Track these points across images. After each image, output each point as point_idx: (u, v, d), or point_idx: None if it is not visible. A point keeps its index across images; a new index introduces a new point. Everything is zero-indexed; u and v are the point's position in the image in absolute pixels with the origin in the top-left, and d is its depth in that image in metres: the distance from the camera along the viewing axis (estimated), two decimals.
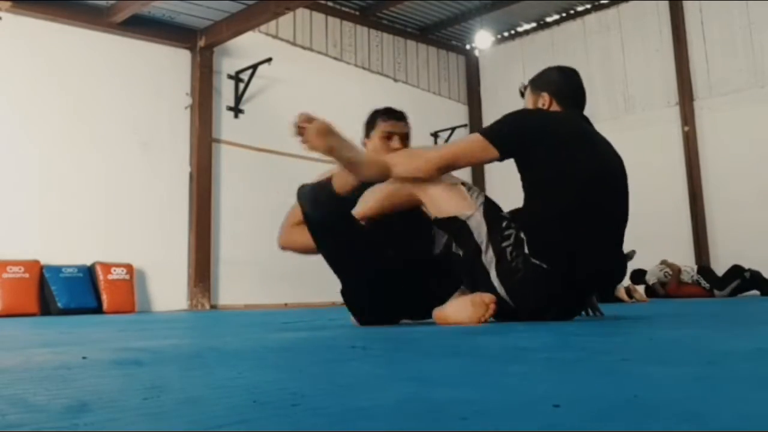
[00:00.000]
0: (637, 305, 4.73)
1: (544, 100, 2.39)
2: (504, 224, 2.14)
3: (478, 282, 2.13)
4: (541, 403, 0.63)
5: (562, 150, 2.15)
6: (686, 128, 8.69)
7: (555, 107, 2.39)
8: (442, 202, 2.17)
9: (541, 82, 2.44)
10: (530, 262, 2.06)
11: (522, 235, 2.10)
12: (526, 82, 2.49)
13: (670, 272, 7.27)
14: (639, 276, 7.45)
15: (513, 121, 2.25)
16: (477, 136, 2.24)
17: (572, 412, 0.58)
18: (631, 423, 0.53)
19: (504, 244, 2.09)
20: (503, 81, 10.79)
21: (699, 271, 7.28)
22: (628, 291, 5.50)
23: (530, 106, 2.41)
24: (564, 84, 2.44)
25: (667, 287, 7.25)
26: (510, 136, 2.22)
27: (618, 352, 1.19)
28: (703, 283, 7.13)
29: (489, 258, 2.11)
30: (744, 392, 0.69)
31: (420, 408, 0.62)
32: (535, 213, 2.13)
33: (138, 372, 1.01)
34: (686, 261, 7.69)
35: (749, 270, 7.05)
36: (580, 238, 2.09)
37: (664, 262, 7.39)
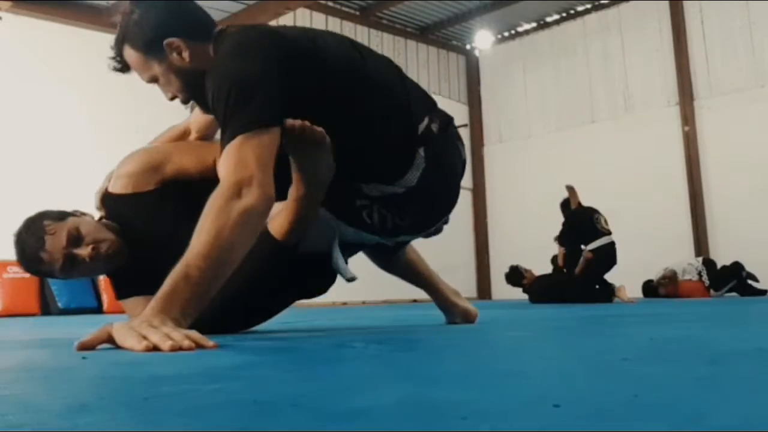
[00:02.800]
0: (633, 305, 4.73)
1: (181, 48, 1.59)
2: None
3: None
4: (541, 403, 0.63)
5: None
6: (686, 128, 8.70)
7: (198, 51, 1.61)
8: None
9: (152, 32, 1.58)
10: None
11: None
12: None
13: (666, 280, 7.30)
14: (649, 287, 7.50)
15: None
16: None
17: (572, 412, 0.58)
18: (631, 423, 0.53)
19: None
20: (503, 81, 10.80)
21: (703, 262, 7.29)
22: (619, 290, 5.53)
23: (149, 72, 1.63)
24: (183, 10, 1.65)
25: (665, 289, 7.27)
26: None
27: (618, 352, 1.19)
28: (704, 277, 7.14)
29: None
30: (744, 392, 0.69)
31: (420, 408, 0.62)
32: None
33: (138, 372, 1.01)
34: (687, 261, 7.69)
35: (747, 272, 7.07)
36: None
37: (666, 269, 7.41)
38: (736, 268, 7.14)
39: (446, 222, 1.95)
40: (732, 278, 7.11)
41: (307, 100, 1.56)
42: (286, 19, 8.23)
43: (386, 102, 1.69)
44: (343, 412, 0.61)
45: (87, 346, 1.23)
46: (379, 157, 1.64)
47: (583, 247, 5.99)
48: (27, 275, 5.76)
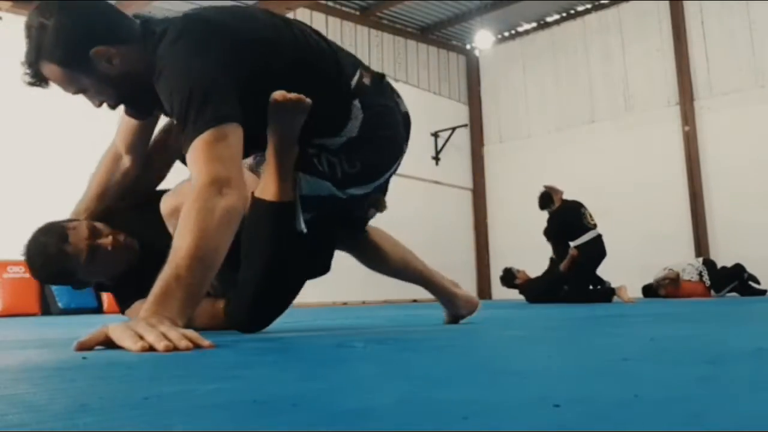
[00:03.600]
0: (633, 305, 4.73)
1: (111, 55, 1.56)
2: None
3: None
4: (541, 403, 0.63)
5: None
6: (686, 128, 8.70)
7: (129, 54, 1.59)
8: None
9: (72, 44, 1.55)
10: None
11: None
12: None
13: (667, 280, 7.29)
14: (649, 287, 7.50)
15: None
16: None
17: (572, 412, 0.58)
18: (631, 423, 0.53)
19: None
20: (503, 81, 10.80)
21: (704, 263, 7.29)
22: (620, 290, 5.51)
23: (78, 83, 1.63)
24: (100, 15, 1.58)
25: (666, 289, 7.27)
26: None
27: (619, 352, 1.19)
28: (705, 277, 7.13)
29: None
30: (744, 392, 0.69)
31: (420, 408, 0.62)
32: None
33: (138, 372, 1.01)
34: (687, 261, 7.69)
35: (748, 273, 7.07)
36: None
37: (666, 269, 7.40)
38: (738, 269, 7.14)
39: (392, 174, 1.96)
40: (733, 279, 7.11)
41: (253, 81, 1.58)
42: None
43: (318, 62, 1.72)
44: (343, 412, 0.61)
45: (85, 347, 1.23)
46: (320, 113, 1.67)
47: (570, 243, 5.97)
48: (27, 275, 5.77)
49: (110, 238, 1.89)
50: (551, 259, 6.41)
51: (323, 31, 8.26)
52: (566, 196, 6.45)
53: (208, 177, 1.38)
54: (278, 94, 1.57)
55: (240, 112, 1.47)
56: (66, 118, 6.37)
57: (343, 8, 9.22)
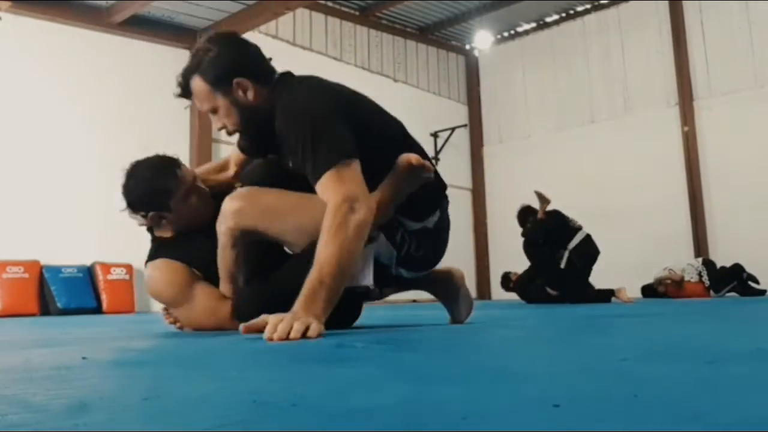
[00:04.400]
0: (632, 305, 4.73)
1: (248, 88, 1.84)
2: None
3: None
4: (541, 403, 0.63)
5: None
6: (686, 128, 8.70)
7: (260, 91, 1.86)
8: None
9: (224, 70, 1.83)
10: None
11: None
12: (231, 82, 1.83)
13: (669, 281, 7.29)
14: (649, 287, 7.51)
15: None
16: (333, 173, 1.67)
17: (572, 412, 0.58)
18: (631, 423, 0.53)
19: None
20: (503, 81, 10.80)
21: (703, 263, 7.29)
22: (619, 291, 5.50)
23: (226, 105, 1.85)
24: (252, 55, 1.92)
25: (667, 290, 7.27)
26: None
27: (618, 352, 1.19)
28: (705, 278, 7.13)
29: None
30: (744, 392, 0.69)
31: (420, 408, 0.62)
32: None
33: (138, 372, 1.01)
34: (686, 261, 7.70)
35: (747, 273, 7.07)
36: None
37: (667, 269, 7.40)
38: (737, 269, 7.14)
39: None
40: (732, 279, 7.12)
41: (360, 135, 1.78)
42: (285, 19, 8.23)
43: (419, 150, 1.97)
44: (343, 412, 0.61)
45: (251, 330, 1.51)
46: (422, 195, 1.91)
47: (564, 249, 5.95)
48: (27, 275, 5.77)
49: (205, 191, 2.17)
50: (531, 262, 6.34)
51: (323, 31, 8.23)
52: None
53: (340, 196, 1.61)
54: (414, 157, 1.83)
55: (356, 149, 1.71)
56: (66, 119, 6.37)
57: (343, 8, 9.22)
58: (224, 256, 1.92)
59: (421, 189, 1.88)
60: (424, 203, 1.96)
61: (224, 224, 1.86)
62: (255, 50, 1.96)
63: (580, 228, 5.99)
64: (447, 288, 2.36)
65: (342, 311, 1.85)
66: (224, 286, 1.99)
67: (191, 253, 2.08)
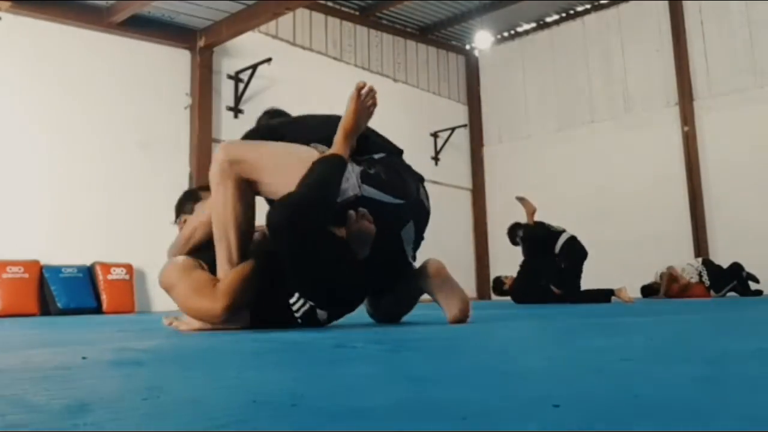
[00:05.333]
0: (632, 305, 4.73)
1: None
2: None
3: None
4: (541, 403, 0.63)
5: None
6: (686, 128, 8.70)
7: None
8: None
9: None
10: None
11: None
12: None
13: (663, 277, 7.32)
14: (649, 287, 7.52)
15: None
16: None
17: (572, 412, 0.58)
18: (631, 423, 0.53)
19: None
20: (503, 81, 10.80)
21: (703, 263, 7.30)
22: (619, 291, 5.50)
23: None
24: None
25: (665, 288, 7.28)
26: None
27: (618, 352, 1.19)
28: (705, 277, 7.15)
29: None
30: (744, 392, 0.69)
31: (420, 408, 0.62)
32: None
33: (138, 372, 1.01)
34: (687, 261, 7.70)
35: (747, 273, 7.08)
36: None
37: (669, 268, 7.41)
38: (737, 269, 7.15)
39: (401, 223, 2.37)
40: (732, 279, 7.12)
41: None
42: (285, 20, 8.23)
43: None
44: (343, 412, 0.61)
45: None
46: (375, 140, 2.50)
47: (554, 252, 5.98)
48: (27, 275, 5.77)
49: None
50: (520, 265, 6.36)
51: (323, 31, 8.21)
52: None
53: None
54: (362, 83, 2.31)
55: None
56: (66, 119, 6.37)
57: (343, 8, 9.22)
58: (220, 212, 2.15)
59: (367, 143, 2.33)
60: (369, 147, 2.36)
61: (216, 163, 2.18)
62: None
63: (563, 231, 6.01)
64: (427, 281, 2.36)
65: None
66: (221, 265, 2.14)
67: (210, 256, 2.22)
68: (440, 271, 2.36)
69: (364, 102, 2.28)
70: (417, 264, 2.44)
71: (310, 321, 2.14)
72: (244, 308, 2.11)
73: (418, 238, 2.40)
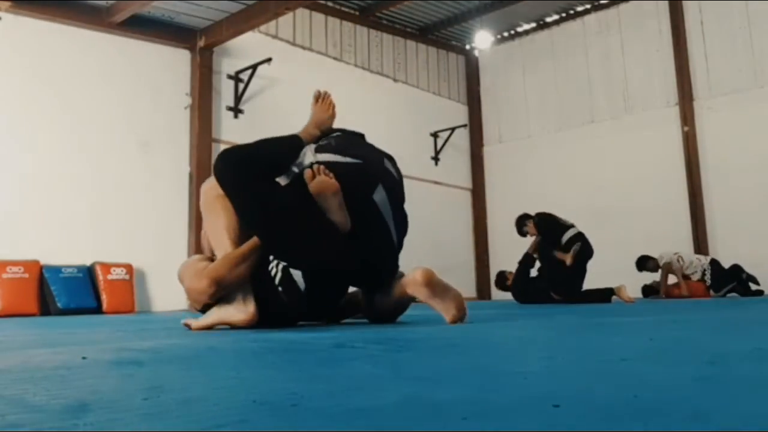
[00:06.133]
0: (633, 305, 4.73)
1: None
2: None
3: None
4: (541, 403, 0.63)
5: None
6: (686, 128, 8.70)
7: None
8: None
9: None
10: None
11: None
12: None
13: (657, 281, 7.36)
14: (649, 289, 7.53)
15: None
16: None
17: (572, 412, 0.58)
18: (631, 423, 0.53)
19: None
20: (503, 81, 10.80)
21: (710, 262, 7.32)
22: (620, 290, 5.50)
23: None
24: None
25: (662, 289, 7.30)
26: None
27: (618, 352, 1.19)
28: (707, 276, 7.17)
29: None
30: (744, 392, 0.69)
31: (420, 408, 0.62)
32: None
33: (138, 372, 1.01)
34: (696, 255, 7.72)
35: (747, 274, 7.10)
36: None
37: (677, 255, 7.45)
38: (737, 270, 7.17)
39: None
40: (732, 280, 7.14)
41: None
42: (285, 20, 8.23)
43: None
44: (343, 412, 0.61)
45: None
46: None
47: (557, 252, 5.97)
48: (27, 275, 5.77)
49: None
50: (519, 262, 6.36)
51: (323, 31, 8.20)
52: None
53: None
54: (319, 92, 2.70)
55: None
56: (66, 118, 6.37)
57: (343, 8, 9.21)
58: (217, 236, 2.30)
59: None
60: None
61: (203, 195, 2.39)
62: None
63: (572, 225, 6.01)
64: (419, 291, 2.33)
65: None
66: (219, 251, 2.30)
67: None
68: (431, 278, 2.31)
69: (322, 107, 2.65)
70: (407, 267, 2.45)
71: (291, 290, 2.20)
72: (236, 289, 2.20)
73: (398, 214, 2.41)
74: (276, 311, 2.25)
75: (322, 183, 2.18)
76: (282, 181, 2.33)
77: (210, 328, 2.26)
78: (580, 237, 5.88)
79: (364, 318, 2.63)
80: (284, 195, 2.25)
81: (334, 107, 2.68)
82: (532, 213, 6.34)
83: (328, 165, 2.27)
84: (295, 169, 2.32)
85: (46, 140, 6.20)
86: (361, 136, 2.66)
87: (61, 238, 6.15)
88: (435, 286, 2.31)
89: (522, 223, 6.35)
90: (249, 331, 2.06)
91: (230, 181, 2.22)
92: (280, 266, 2.20)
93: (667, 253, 7.44)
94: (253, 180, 2.21)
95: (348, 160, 2.35)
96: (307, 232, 2.21)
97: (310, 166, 2.27)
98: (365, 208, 2.29)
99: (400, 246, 2.46)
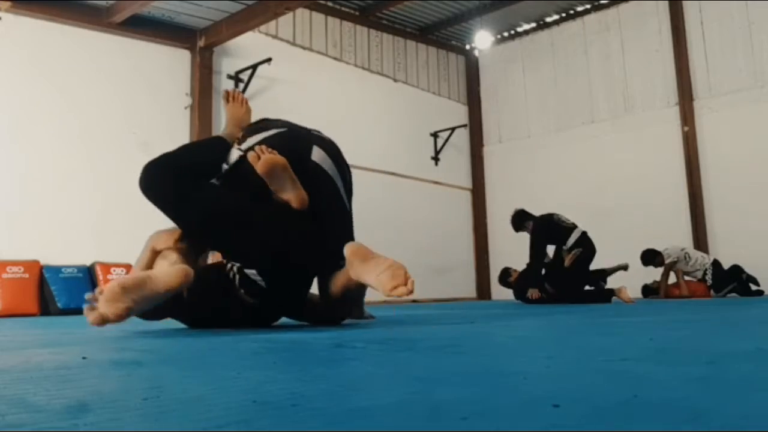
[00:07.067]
0: (634, 305, 4.73)
1: None
2: None
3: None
4: (541, 403, 0.63)
5: None
6: (686, 128, 8.70)
7: None
8: None
9: None
10: None
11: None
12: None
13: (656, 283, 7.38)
14: (650, 289, 7.55)
15: None
16: None
17: (572, 412, 0.58)
18: (631, 423, 0.53)
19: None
20: (503, 81, 10.80)
21: (713, 263, 7.33)
22: (620, 291, 5.50)
23: None
24: None
25: (661, 290, 7.31)
26: None
27: (618, 352, 1.19)
28: (708, 276, 7.18)
29: None
30: (744, 392, 0.69)
31: (420, 408, 0.62)
32: None
33: (138, 372, 1.01)
34: (700, 253, 7.73)
35: (747, 274, 7.11)
36: None
37: (684, 251, 7.47)
38: (737, 270, 7.18)
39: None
40: (732, 280, 7.14)
41: None
42: (285, 20, 8.23)
43: None
44: (343, 412, 0.61)
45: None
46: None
47: (564, 247, 5.96)
48: (27, 275, 5.77)
49: None
50: (527, 264, 6.34)
51: (323, 31, 8.19)
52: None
53: None
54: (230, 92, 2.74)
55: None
56: (66, 118, 6.37)
57: (343, 8, 9.21)
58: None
59: None
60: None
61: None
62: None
63: (575, 226, 6.00)
64: (351, 267, 2.01)
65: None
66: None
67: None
68: (358, 249, 1.99)
69: (235, 106, 2.63)
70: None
71: (253, 290, 2.16)
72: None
73: (344, 176, 2.33)
74: (244, 315, 2.22)
75: (269, 161, 2.07)
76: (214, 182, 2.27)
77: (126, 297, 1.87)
78: (583, 239, 5.88)
79: (321, 317, 2.42)
80: (220, 195, 2.17)
81: (246, 102, 2.68)
82: (532, 212, 6.30)
83: (261, 143, 2.21)
84: (225, 166, 2.26)
85: (46, 140, 6.20)
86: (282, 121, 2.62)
87: (61, 238, 6.15)
88: (364, 255, 1.96)
89: (521, 220, 6.27)
90: (249, 331, 2.06)
91: (160, 193, 2.15)
92: (235, 268, 2.17)
93: (675, 248, 7.45)
94: (184, 187, 2.13)
95: (273, 131, 2.34)
96: (259, 224, 2.12)
97: (246, 151, 2.21)
98: (307, 169, 2.19)
99: (350, 208, 2.32)
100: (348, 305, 2.31)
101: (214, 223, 2.12)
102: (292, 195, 2.11)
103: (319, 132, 2.47)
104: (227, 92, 2.67)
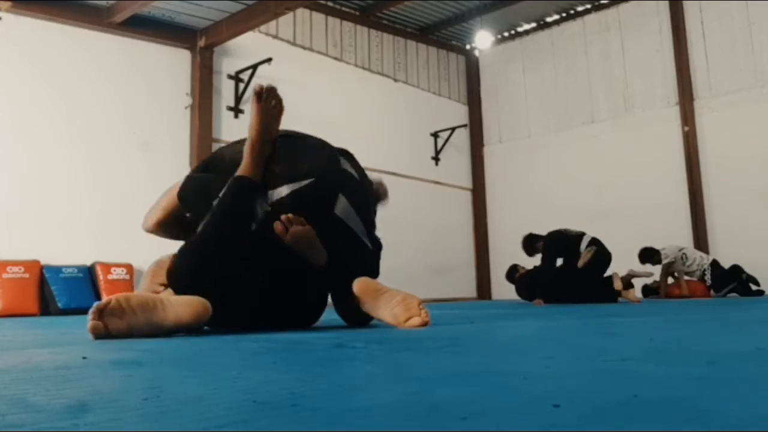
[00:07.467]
0: (639, 305, 4.73)
1: None
2: None
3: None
4: (541, 403, 0.63)
5: None
6: (686, 128, 8.70)
7: None
8: None
9: None
10: None
11: None
12: None
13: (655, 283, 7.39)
14: (650, 289, 7.55)
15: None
16: (174, 189, 2.43)
17: (572, 412, 0.58)
18: (631, 423, 0.53)
19: None
20: (503, 81, 10.80)
21: (711, 263, 7.33)
22: (624, 286, 5.49)
23: None
24: None
25: (661, 290, 7.31)
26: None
27: (618, 352, 1.19)
28: (707, 276, 7.18)
29: None
30: (744, 392, 0.69)
31: (420, 408, 0.62)
32: None
33: (138, 372, 1.01)
34: (700, 253, 7.73)
35: (747, 274, 7.11)
36: None
37: (682, 251, 7.48)
38: (737, 270, 7.17)
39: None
40: (732, 280, 7.14)
41: None
42: (285, 20, 8.23)
43: None
44: (343, 412, 0.61)
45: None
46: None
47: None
48: (27, 275, 5.78)
49: None
50: (537, 267, 6.35)
51: (323, 31, 8.19)
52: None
53: None
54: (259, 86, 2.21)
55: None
56: (66, 118, 6.37)
57: (343, 8, 9.21)
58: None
59: None
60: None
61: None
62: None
63: (583, 234, 6.00)
64: (363, 304, 2.12)
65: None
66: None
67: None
68: (367, 287, 2.07)
69: (267, 104, 2.16)
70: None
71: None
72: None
73: (366, 218, 2.24)
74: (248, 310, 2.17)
75: (296, 234, 2.02)
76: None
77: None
78: (596, 241, 5.90)
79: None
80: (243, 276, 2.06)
81: (281, 102, 2.25)
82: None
83: (285, 207, 2.06)
84: (259, 210, 2.08)
85: (46, 140, 6.20)
86: (300, 137, 2.39)
87: (61, 238, 6.15)
88: (375, 291, 2.06)
89: (531, 243, 6.31)
90: (249, 332, 2.06)
91: (194, 282, 2.00)
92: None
93: (672, 248, 7.45)
94: (225, 271, 2.05)
95: (301, 184, 2.10)
96: (286, 290, 2.12)
97: (272, 213, 2.05)
98: (329, 222, 2.13)
99: (375, 244, 2.30)
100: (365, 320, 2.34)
101: (235, 298, 2.07)
102: (312, 260, 2.09)
103: (347, 156, 2.33)
104: (261, 88, 2.16)
